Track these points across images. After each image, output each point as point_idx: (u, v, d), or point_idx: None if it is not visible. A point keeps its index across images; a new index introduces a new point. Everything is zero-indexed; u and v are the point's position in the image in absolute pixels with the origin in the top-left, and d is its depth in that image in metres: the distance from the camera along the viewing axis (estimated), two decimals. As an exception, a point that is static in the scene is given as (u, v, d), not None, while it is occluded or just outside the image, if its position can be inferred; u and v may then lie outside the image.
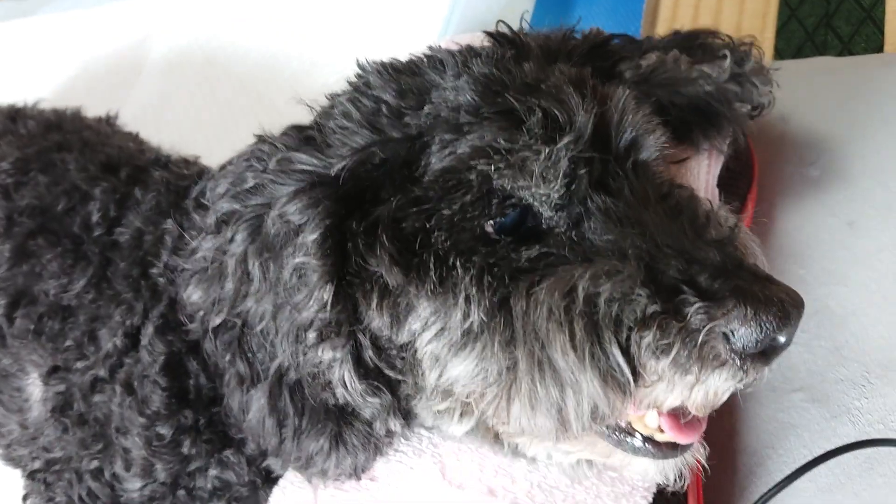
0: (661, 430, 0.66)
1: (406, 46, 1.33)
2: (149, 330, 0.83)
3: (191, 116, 1.51)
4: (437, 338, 0.63)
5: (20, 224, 0.98)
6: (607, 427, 0.66)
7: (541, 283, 0.60)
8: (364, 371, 0.67)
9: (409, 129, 0.66)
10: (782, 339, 0.57)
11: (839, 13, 1.23)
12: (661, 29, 1.34)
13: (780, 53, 1.24)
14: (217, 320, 0.71)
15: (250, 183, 0.68)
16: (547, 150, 0.62)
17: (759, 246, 0.70)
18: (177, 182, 0.99)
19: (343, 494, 0.74)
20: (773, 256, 0.92)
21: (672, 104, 0.82)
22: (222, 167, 0.73)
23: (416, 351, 0.65)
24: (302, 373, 0.68)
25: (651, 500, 0.72)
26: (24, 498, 0.90)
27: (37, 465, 0.89)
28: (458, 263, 0.62)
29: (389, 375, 0.68)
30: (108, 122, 1.30)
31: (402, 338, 0.65)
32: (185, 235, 0.78)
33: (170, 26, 1.70)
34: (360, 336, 0.66)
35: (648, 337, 0.57)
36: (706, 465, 0.69)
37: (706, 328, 0.56)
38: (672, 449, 0.66)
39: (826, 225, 0.93)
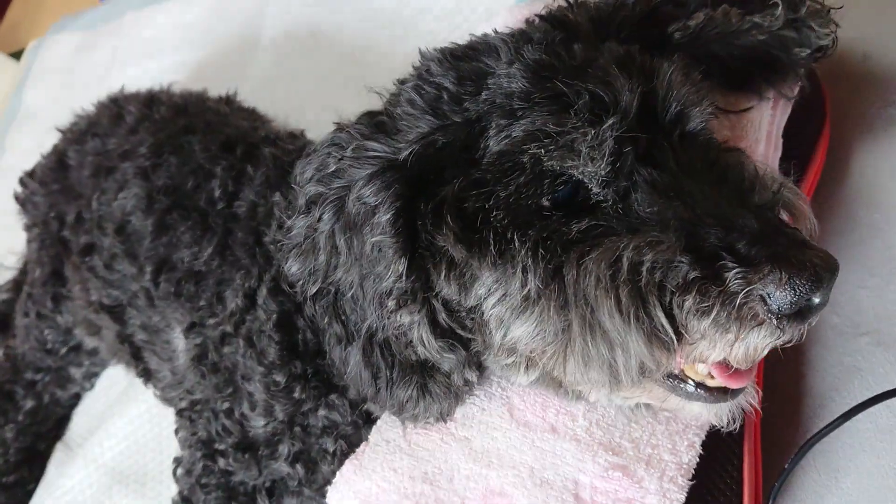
0: (712, 377, 0.71)
1: (488, 9, 1.39)
2: (263, 291, 0.96)
3: (299, 88, 1.63)
4: (500, 302, 0.70)
5: (159, 202, 1.13)
6: (662, 375, 0.72)
7: (590, 254, 0.66)
8: (440, 331, 0.75)
9: (468, 113, 0.72)
10: (816, 300, 0.60)
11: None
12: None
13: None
14: (313, 289, 0.80)
15: (332, 168, 0.76)
16: (593, 132, 0.66)
17: (806, 203, 0.72)
18: (283, 157, 1.11)
19: (426, 432, 0.85)
20: (847, 201, 0.92)
21: (730, 55, 0.83)
22: (306, 153, 0.82)
23: (482, 313, 0.72)
24: (388, 333, 0.77)
25: (703, 437, 0.77)
26: (176, 431, 1.07)
27: (183, 404, 1.06)
28: (515, 237, 0.68)
29: (461, 334, 0.76)
30: (228, 101, 1.43)
31: (470, 302, 0.73)
32: (285, 213, 0.90)
33: (277, 2, 1.82)
34: (434, 301, 0.74)
35: (689, 300, 0.62)
36: (759, 408, 0.73)
37: (744, 291, 0.60)
38: (723, 393, 0.71)
39: (904, 168, 0.91)
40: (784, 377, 0.87)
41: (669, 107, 0.71)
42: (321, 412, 0.94)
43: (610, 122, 0.66)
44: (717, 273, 0.61)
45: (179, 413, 1.07)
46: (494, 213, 0.69)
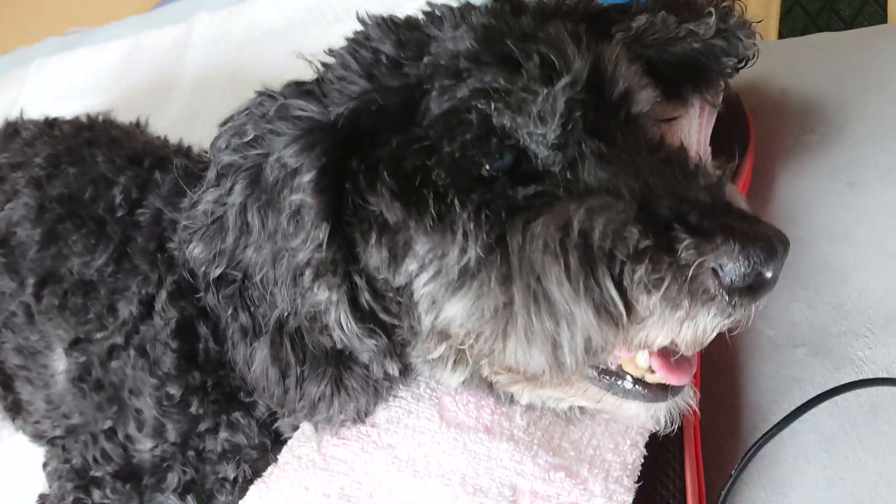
0: (652, 371, 0.66)
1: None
2: (163, 296, 0.86)
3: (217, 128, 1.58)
4: (433, 279, 0.64)
5: (50, 211, 1.02)
6: (598, 372, 0.67)
7: (537, 219, 0.62)
8: (360, 314, 0.68)
9: (407, 78, 0.67)
10: (769, 273, 0.58)
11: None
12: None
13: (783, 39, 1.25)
14: (217, 272, 0.72)
15: (250, 135, 0.69)
16: (545, 92, 0.63)
17: (745, 201, 0.71)
18: (196, 167, 1.03)
19: (345, 443, 0.75)
20: (773, 221, 0.90)
21: (663, 62, 0.84)
22: (223, 122, 0.75)
23: (412, 294, 0.66)
24: (300, 318, 0.69)
25: (647, 438, 0.72)
26: (45, 465, 0.92)
27: (57, 432, 0.92)
28: (456, 200, 0.63)
29: (385, 320, 0.69)
30: (138, 125, 1.36)
31: (399, 280, 0.66)
32: (186, 189, 0.80)
33: (199, 45, 1.78)
34: (356, 277, 0.67)
35: (641, 271, 0.58)
36: (697, 410, 0.69)
37: (696, 262, 0.57)
38: (662, 391, 0.66)
39: (826, 187, 0.93)
40: (723, 391, 0.84)
41: (616, 84, 0.69)
42: (222, 434, 0.83)
43: (562, 83, 0.64)
44: (669, 243, 0.58)
45: (51, 442, 0.93)
46: (436, 171, 0.64)
